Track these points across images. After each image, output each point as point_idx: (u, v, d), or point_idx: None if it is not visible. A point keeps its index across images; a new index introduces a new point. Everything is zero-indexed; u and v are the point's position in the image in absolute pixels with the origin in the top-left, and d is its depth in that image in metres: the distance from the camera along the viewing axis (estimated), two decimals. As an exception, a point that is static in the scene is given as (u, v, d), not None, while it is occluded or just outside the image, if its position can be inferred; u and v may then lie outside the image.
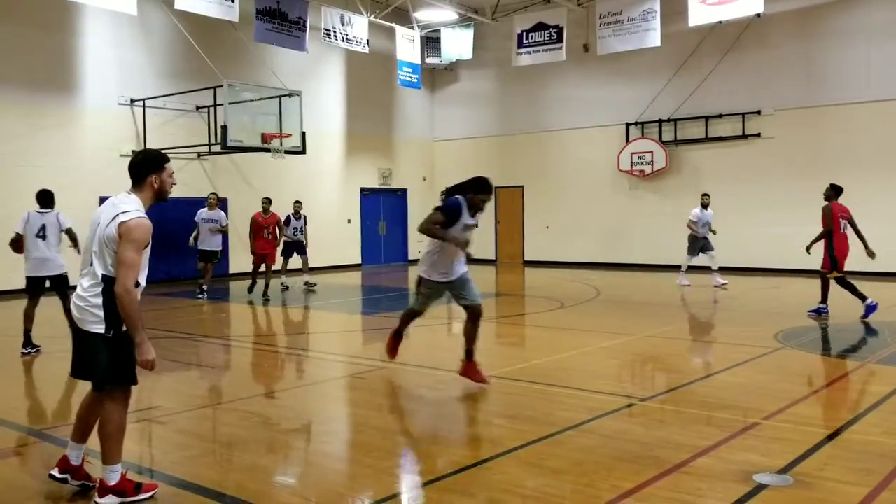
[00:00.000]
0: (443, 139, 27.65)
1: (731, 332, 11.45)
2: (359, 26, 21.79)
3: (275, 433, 6.41)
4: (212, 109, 18.32)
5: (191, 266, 18.61)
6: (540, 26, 22.52)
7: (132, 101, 18.80)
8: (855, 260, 12.60)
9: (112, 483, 4.61)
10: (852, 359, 8.94)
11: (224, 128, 16.96)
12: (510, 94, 25.75)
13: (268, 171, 20.94)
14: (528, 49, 22.78)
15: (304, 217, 18.09)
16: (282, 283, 17.74)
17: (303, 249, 17.92)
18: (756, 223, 20.80)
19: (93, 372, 4.63)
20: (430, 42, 25.11)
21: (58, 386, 8.14)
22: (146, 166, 4.75)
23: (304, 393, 8.12)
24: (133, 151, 18.65)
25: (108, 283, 4.49)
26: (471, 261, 7.94)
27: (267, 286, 15.88)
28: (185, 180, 19.88)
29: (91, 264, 4.58)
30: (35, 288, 9.89)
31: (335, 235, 23.49)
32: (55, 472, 4.74)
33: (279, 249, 16.76)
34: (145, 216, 4.59)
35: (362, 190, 25.08)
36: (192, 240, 16.21)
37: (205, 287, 16.13)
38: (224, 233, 16.38)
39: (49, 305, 10.22)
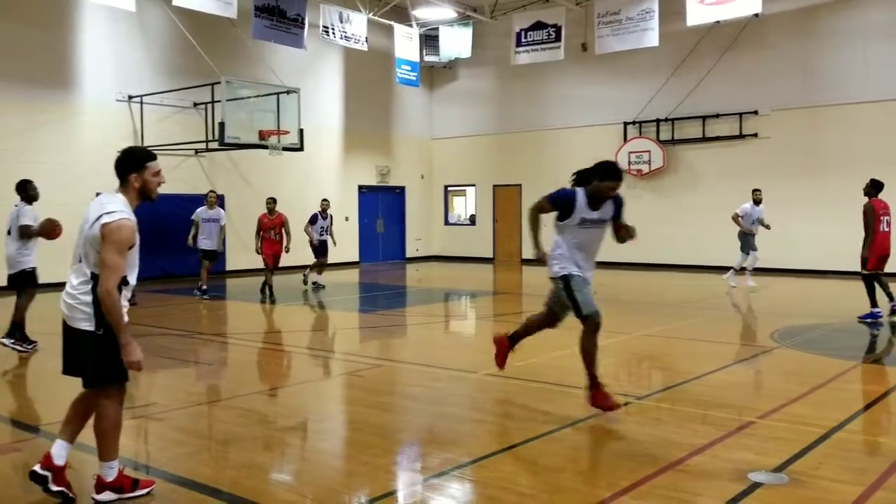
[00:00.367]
0: (441, 137, 27.65)
1: (727, 331, 11.47)
2: (357, 24, 21.79)
3: (271, 430, 6.42)
4: (209, 106, 18.30)
5: (186, 263, 18.62)
6: (538, 25, 22.53)
7: (130, 97, 18.79)
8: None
9: (109, 479, 4.60)
10: (847, 358, 8.95)
11: (222, 125, 16.94)
12: (508, 92, 25.76)
13: (265, 169, 20.93)
14: (527, 48, 22.79)
15: (331, 216, 17.76)
16: (314, 283, 17.42)
17: (326, 250, 17.53)
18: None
19: (84, 370, 4.57)
20: (429, 40, 25.10)
21: (56, 382, 8.15)
22: (126, 165, 4.64)
23: (301, 390, 8.13)
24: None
25: (98, 280, 4.43)
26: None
27: (271, 287, 15.57)
28: (183, 177, 19.91)
29: (80, 261, 4.54)
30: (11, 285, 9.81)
31: (333, 232, 23.45)
32: (37, 468, 4.59)
33: (276, 248, 16.10)
34: (129, 217, 4.49)
35: (360, 188, 25.09)
36: (190, 239, 15.84)
37: (204, 287, 15.88)
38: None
39: (44, 300, 10.21)
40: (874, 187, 12.00)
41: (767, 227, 16.99)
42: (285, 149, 18.25)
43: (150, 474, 5.05)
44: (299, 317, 13.69)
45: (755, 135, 20.97)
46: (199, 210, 15.90)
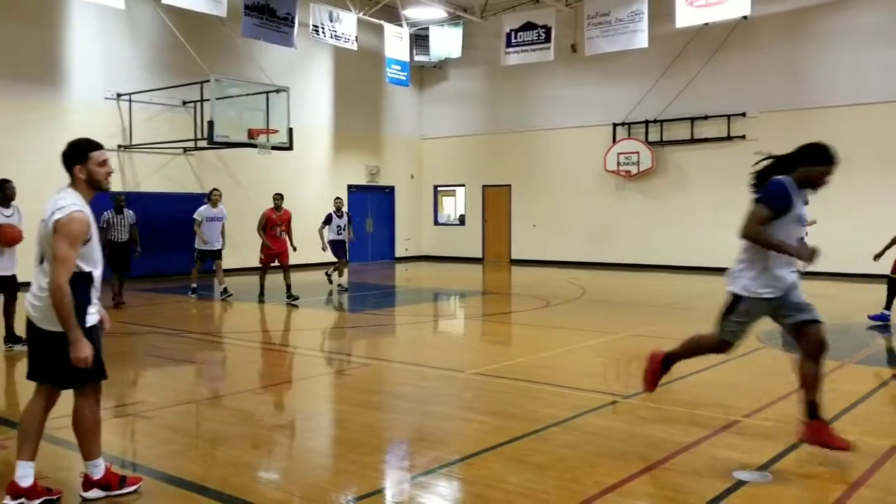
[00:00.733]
0: (431, 137, 27.68)
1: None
2: (347, 23, 21.78)
3: (259, 429, 6.43)
4: (198, 105, 18.28)
5: (175, 262, 18.62)
6: (528, 26, 22.58)
7: (119, 95, 18.74)
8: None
9: (97, 477, 4.59)
10: (832, 359, 8.98)
11: (211, 123, 16.92)
12: (498, 93, 25.81)
13: (254, 168, 20.89)
14: (517, 48, 22.83)
15: (348, 215, 17.49)
16: (338, 285, 17.07)
17: (344, 251, 17.21)
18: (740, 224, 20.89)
19: (54, 373, 4.44)
20: (419, 40, 25.11)
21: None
22: (70, 158, 4.58)
23: (289, 389, 8.14)
24: (119, 146, 18.71)
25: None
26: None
27: (289, 286, 14.75)
28: (171, 175, 19.89)
29: (41, 262, 4.45)
30: None
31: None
32: (7, 501, 4.39)
33: (283, 246, 15.30)
34: (81, 209, 4.40)
35: (350, 187, 25.08)
36: (199, 240, 15.33)
37: (194, 285, 15.58)
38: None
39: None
40: None
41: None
42: (274, 148, 18.24)
43: (138, 472, 5.05)
44: (288, 316, 13.68)
45: (743, 137, 21.05)
46: (201, 209, 15.50)
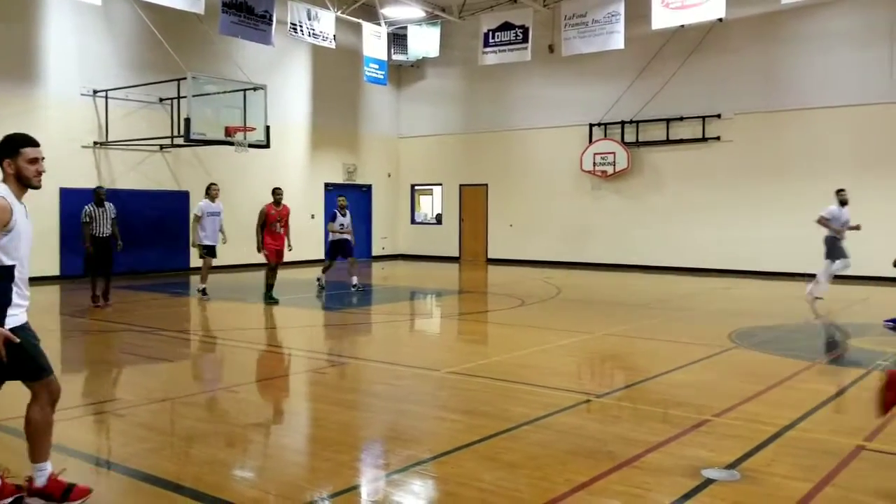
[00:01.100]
0: (408, 136, 27.71)
1: (687, 331, 11.65)
2: (325, 21, 21.76)
3: (234, 427, 6.45)
4: (175, 102, 18.20)
5: (148, 259, 18.54)
6: (506, 26, 22.66)
7: (95, 92, 18.63)
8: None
9: (38, 484, 4.44)
10: (803, 359, 9.16)
11: (187, 120, 16.86)
12: (476, 92, 25.88)
13: (231, 165, 20.83)
14: (494, 48, 22.90)
15: (349, 214, 17.13)
16: (354, 285, 16.60)
17: (350, 249, 16.97)
18: (713, 225, 21.14)
19: None
20: (397, 39, 25.15)
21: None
22: (0, 151, 4.40)
23: (265, 388, 8.16)
24: (95, 143, 18.60)
25: None
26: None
27: (271, 284, 14.55)
28: (147, 173, 19.80)
29: None
30: None
31: (299, 230, 23.18)
32: None
33: (282, 243, 14.90)
34: (4, 196, 4.23)
35: (327, 185, 25.07)
36: (193, 237, 15.02)
37: (204, 286, 15.14)
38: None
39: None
40: None
41: (857, 227, 14.80)
42: (251, 145, 18.19)
43: (112, 469, 5.07)
44: (265, 314, 13.67)
45: (718, 138, 21.25)
46: (201, 204, 15.17)
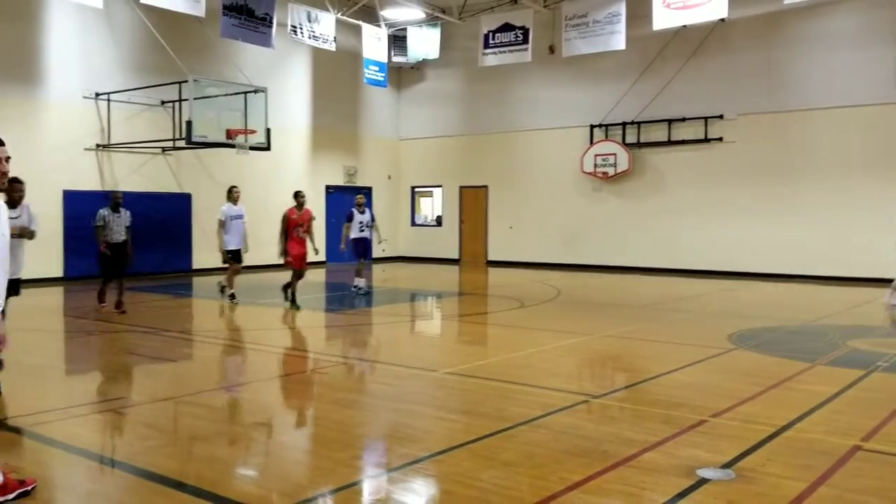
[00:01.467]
0: (408, 138, 27.75)
1: (687, 332, 11.68)
2: (326, 23, 21.83)
3: (236, 426, 6.51)
4: (177, 104, 18.29)
5: (153, 261, 18.58)
6: (506, 27, 22.70)
7: (97, 94, 18.70)
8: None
9: None
10: (801, 360, 9.19)
11: (189, 123, 16.94)
12: (476, 94, 25.92)
13: (232, 168, 20.87)
14: (495, 49, 22.94)
15: (372, 214, 16.90)
16: (355, 286, 16.31)
17: (367, 250, 16.64)
18: (716, 227, 21.14)
19: None
20: (397, 41, 25.19)
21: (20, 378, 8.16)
22: None
23: (265, 387, 8.20)
24: (97, 145, 18.67)
25: None
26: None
27: (293, 291, 14.25)
28: (149, 175, 19.86)
29: None
30: None
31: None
32: None
33: (305, 248, 14.41)
34: None
35: (328, 187, 25.12)
36: (219, 242, 14.56)
37: (232, 291, 14.77)
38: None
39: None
40: None
41: None
42: (252, 148, 18.27)
43: (116, 467, 5.12)
44: (266, 316, 13.70)
45: (720, 139, 21.27)
46: (223, 208, 14.73)
